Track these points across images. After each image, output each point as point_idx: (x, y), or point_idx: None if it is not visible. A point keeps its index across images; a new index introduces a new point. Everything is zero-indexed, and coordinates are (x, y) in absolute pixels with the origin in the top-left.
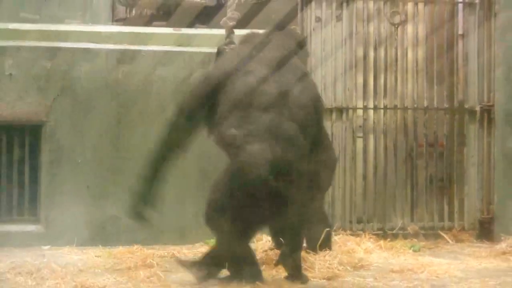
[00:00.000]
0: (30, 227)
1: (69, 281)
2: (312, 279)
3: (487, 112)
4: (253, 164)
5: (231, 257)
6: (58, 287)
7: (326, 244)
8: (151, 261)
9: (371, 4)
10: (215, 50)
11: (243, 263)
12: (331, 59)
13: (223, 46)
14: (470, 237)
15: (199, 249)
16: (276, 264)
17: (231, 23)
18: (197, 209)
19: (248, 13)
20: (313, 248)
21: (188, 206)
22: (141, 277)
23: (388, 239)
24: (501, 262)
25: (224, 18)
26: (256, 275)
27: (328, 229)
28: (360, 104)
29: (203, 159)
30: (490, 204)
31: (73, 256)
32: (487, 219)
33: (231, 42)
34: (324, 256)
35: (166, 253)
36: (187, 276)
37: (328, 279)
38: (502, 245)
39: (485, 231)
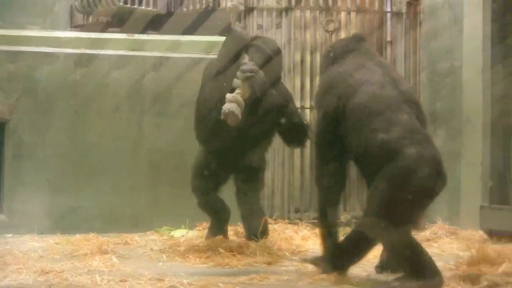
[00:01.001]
0: None
1: (30, 266)
2: (253, 264)
3: None
4: (422, 163)
5: (409, 256)
6: (20, 272)
7: (264, 232)
8: (106, 247)
9: (308, 13)
10: (165, 54)
11: (421, 260)
12: None
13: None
14: None
15: (150, 237)
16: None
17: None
18: (148, 199)
19: (195, 20)
20: (255, 236)
21: (140, 197)
22: (96, 263)
23: None
24: (426, 248)
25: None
26: (435, 271)
27: (265, 217)
28: (297, 104)
29: (154, 153)
30: None
31: (34, 244)
32: None
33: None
34: (265, 243)
35: (120, 240)
36: (139, 261)
37: (268, 263)
38: (427, 233)
39: None
